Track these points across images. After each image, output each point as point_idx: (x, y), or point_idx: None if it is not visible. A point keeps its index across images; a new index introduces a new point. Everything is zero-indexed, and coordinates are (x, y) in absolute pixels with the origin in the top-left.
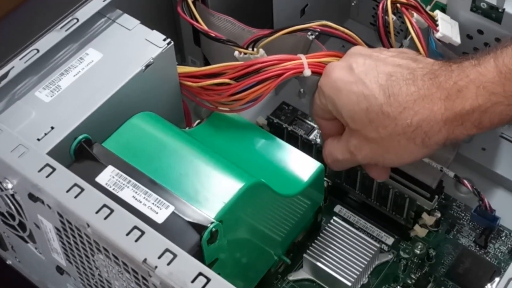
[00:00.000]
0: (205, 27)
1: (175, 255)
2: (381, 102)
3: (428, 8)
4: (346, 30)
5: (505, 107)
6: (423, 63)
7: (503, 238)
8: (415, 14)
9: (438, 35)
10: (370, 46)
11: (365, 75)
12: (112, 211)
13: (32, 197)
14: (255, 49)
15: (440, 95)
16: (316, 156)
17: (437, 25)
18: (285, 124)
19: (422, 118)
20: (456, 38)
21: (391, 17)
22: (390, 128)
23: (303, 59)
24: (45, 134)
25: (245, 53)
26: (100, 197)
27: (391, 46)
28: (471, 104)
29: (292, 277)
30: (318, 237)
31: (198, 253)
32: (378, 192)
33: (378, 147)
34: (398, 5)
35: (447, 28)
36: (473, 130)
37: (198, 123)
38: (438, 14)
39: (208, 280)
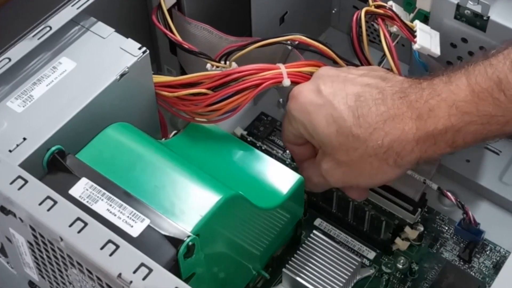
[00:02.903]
0: (179, 38)
1: (150, 270)
2: (350, 124)
3: (411, 16)
4: (320, 45)
5: (478, 126)
6: (393, 82)
7: (487, 253)
8: (394, 26)
9: (415, 46)
10: (347, 61)
11: (333, 96)
12: (86, 224)
13: (3, 210)
14: (227, 62)
15: (411, 115)
16: None
17: (415, 36)
18: (259, 142)
19: (393, 139)
20: (436, 50)
21: (365, 29)
22: (361, 150)
23: (282, 69)
24: (17, 145)
25: (217, 66)
26: (74, 210)
27: (366, 59)
28: (444, 123)
29: None
30: (298, 251)
31: (174, 268)
32: (355, 213)
33: (350, 170)
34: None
35: (426, 39)
36: (446, 149)
37: (175, 134)
38: (417, 24)
39: None
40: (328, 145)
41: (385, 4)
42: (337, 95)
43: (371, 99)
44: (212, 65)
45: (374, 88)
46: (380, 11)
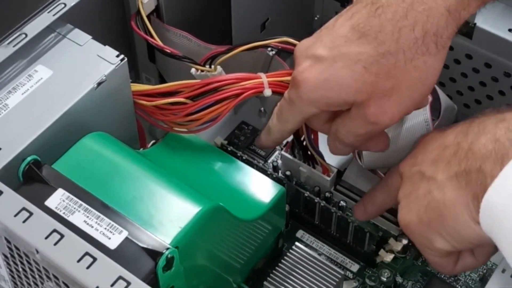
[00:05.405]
0: (160, 43)
1: (128, 283)
2: (373, 47)
3: None
4: None
5: None
6: None
7: None
8: None
9: None
10: None
11: (334, 48)
12: (62, 236)
13: None
14: (212, 66)
15: None
16: None
17: None
18: (239, 152)
19: (423, 23)
20: None
21: None
22: (400, 61)
23: (264, 78)
24: None
25: (202, 70)
26: (50, 222)
27: None
28: None
29: None
30: (279, 264)
31: (152, 281)
32: (338, 224)
33: (400, 92)
34: None
35: None
36: (479, 6)
37: (153, 144)
38: None
39: None
40: (364, 90)
41: None
42: (337, 44)
43: (370, 14)
44: (197, 70)
45: (363, 6)
46: None
